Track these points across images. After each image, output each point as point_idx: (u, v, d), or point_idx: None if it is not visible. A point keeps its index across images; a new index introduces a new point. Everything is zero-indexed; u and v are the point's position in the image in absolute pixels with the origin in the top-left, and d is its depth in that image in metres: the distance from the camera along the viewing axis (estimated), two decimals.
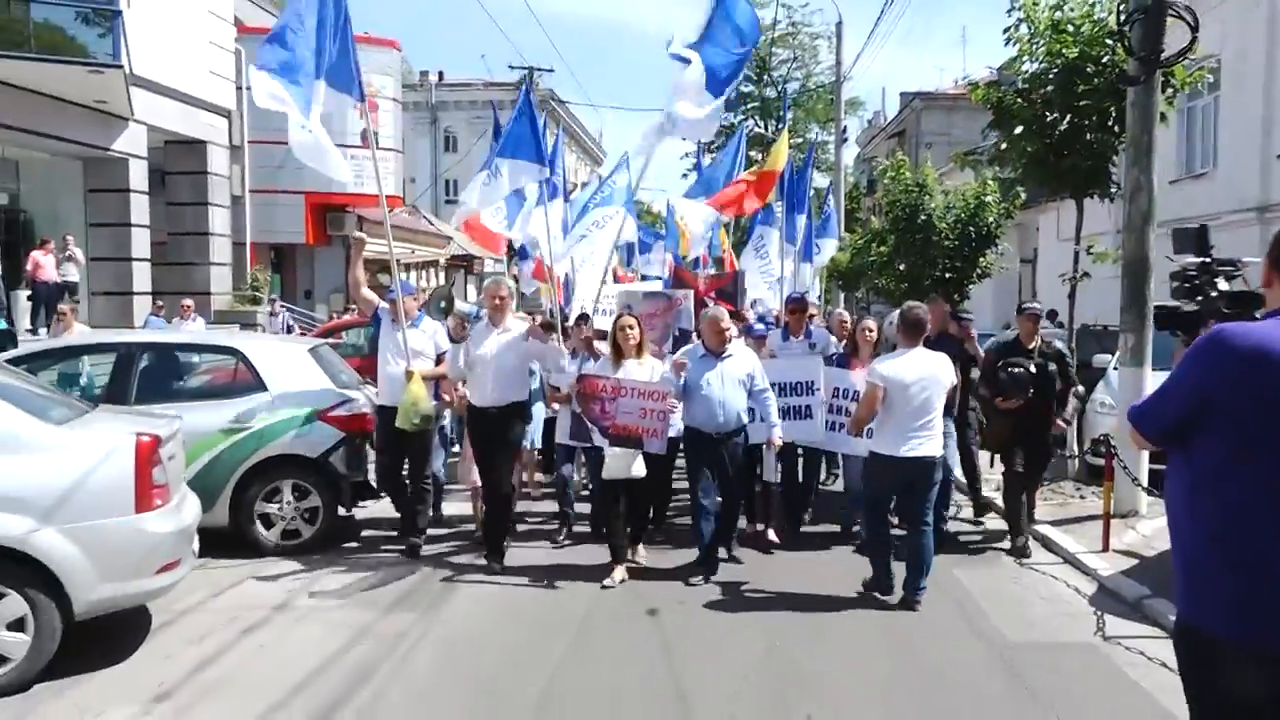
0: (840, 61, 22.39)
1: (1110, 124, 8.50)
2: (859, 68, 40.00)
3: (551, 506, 7.89)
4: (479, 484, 7.03)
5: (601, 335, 7.69)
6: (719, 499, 6.37)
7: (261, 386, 6.86)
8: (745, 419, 6.41)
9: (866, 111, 42.43)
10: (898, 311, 6.83)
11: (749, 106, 36.16)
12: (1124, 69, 7.77)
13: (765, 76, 37.54)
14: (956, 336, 7.44)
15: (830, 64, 33.36)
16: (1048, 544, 7.05)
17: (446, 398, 7.22)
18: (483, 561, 6.61)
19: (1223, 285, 4.75)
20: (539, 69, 25.26)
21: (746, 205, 9.76)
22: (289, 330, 16.85)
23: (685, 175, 38.08)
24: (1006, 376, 6.75)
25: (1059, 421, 7.10)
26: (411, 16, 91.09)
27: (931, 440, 5.71)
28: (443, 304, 7.53)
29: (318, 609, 5.70)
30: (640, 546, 6.78)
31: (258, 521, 6.79)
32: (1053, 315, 14.44)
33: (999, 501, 7.65)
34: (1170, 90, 8.25)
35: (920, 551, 5.76)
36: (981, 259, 13.85)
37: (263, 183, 22.51)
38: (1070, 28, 8.32)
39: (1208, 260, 4.98)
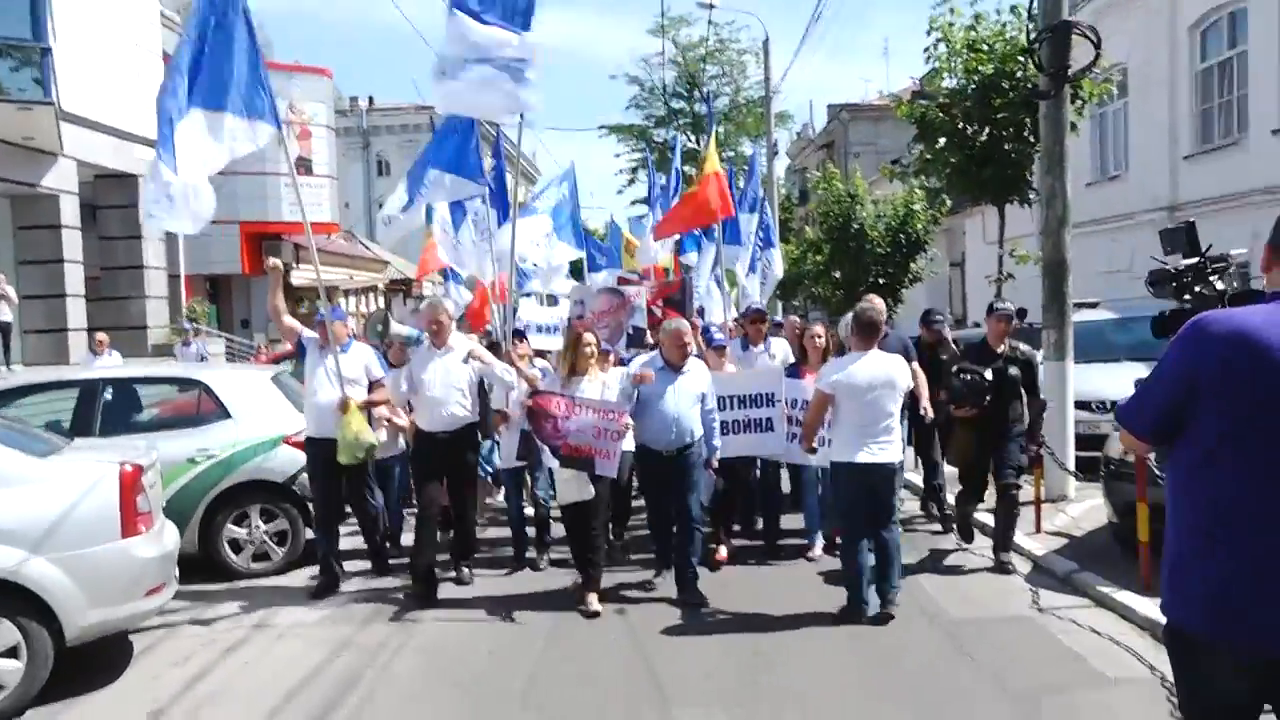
0: (769, 77, 23.09)
1: (1026, 134, 9.14)
2: (787, 81, 41.36)
3: (505, 532, 7.80)
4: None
5: (540, 354, 7.67)
6: (673, 515, 6.25)
7: (225, 414, 7.04)
8: (697, 434, 6.25)
9: (795, 124, 43.50)
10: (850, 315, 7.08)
11: (681, 122, 36.81)
12: (1035, 84, 8.38)
13: (695, 92, 38.31)
14: (926, 341, 7.38)
15: (758, 79, 34.25)
16: (983, 529, 7.50)
17: (393, 423, 7.13)
18: (451, 574, 6.72)
19: (1219, 284, 4.76)
20: None
21: (703, 216, 9.50)
22: (201, 360, 16.56)
23: (621, 191, 38.66)
24: (960, 383, 6.42)
25: (1030, 446, 6.71)
26: (339, 43, 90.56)
27: (891, 446, 5.61)
28: (379, 327, 7.28)
29: (295, 626, 5.89)
30: (592, 595, 6.16)
31: (227, 546, 6.96)
32: (1022, 314, 15.03)
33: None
34: (1079, 102, 8.91)
35: (890, 550, 5.68)
36: (912, 264, 14.54)
37: None
38: (984, 46, 8.93)
39: (1201, 261, 5.07)
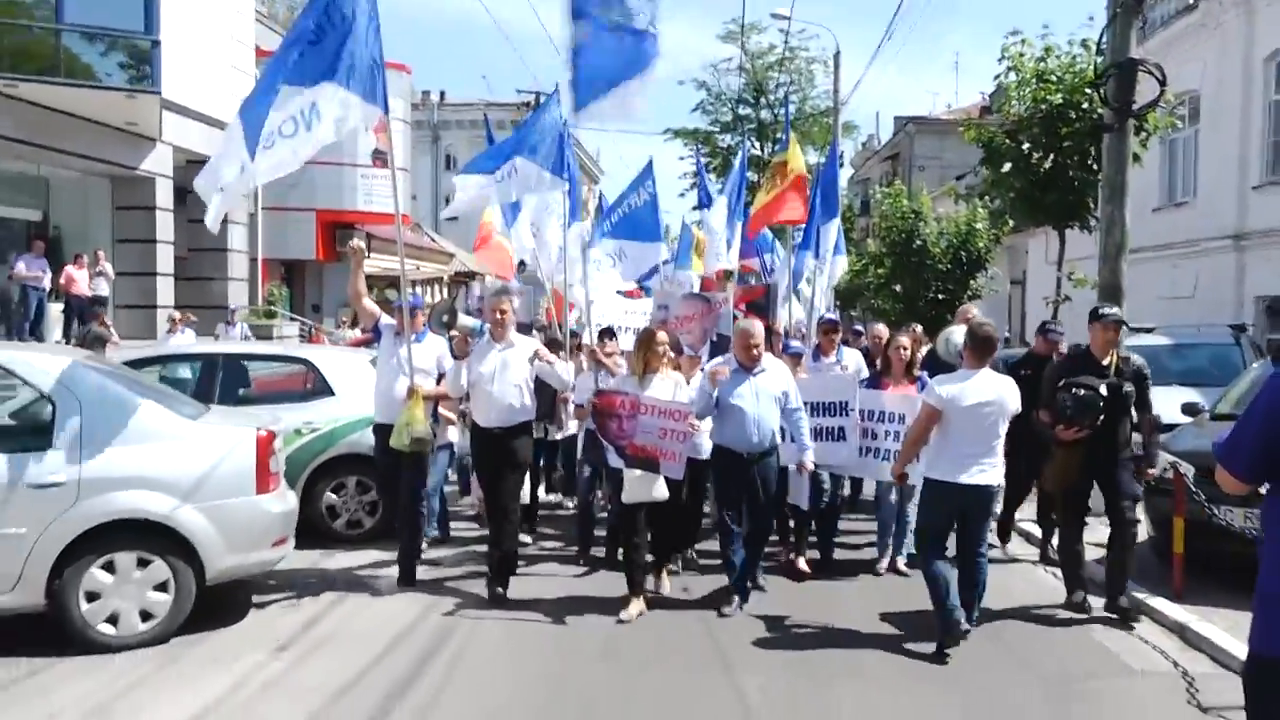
0: (838, 89, 23.53)
1: (1090, 163, 9.54)
2: (853, 92, 41.37)
3: (558, 530, 8.15)
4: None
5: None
6: (749, 523, 6.11)
7: (330, 392, 7.77)
8: (779, 438, 6.15)
9: (860, 134, 43.69)
10: (956, 329, 7.08)
11: (747, 128, 37.26)
12: (1101, 116, 8.80)
13: (762, 99, 38.77)
14: (1040, 354, 7.14)
15: (825, 88, 34.65)
16: (1028, 538, 7.94)
17: (449, 416, 7.15)
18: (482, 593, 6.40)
19: None
20: (543, 94, 26.11)
21: (789, 212, 9.46)
22: (246, 339, 16.63)
23: (684, 194, 39.22)
24: (1071, 399, 5.72)
25: (1148, 471, 6.16)
26: (412, 37, 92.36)
27: (994, 469, 5.48)
28: (445, 317, 7.18)
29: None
30: (665, 575, 6.50)
31: (325, 512, 7.69)
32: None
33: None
34: (1144, 134, 9.30)
35: (979, 578, 5.57)
36: (972, 281, 14.92)
37: (275, 200, 23.37)
38: (1053, 77, 9.36)
39: None
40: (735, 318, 8.06)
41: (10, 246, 16.33)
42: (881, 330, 8.60)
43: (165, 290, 18.48)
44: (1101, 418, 5.70)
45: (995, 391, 5.45)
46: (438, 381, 6.79)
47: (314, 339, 15.33)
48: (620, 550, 6.53)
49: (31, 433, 5.22)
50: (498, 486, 6.43)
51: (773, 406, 6.04)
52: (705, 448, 6.41)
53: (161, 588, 5.30)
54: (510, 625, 5.84)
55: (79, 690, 4.68)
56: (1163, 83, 8.18)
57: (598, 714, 4.65)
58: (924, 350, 8.13)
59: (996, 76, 9.60)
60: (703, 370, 6.71)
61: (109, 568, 5.19)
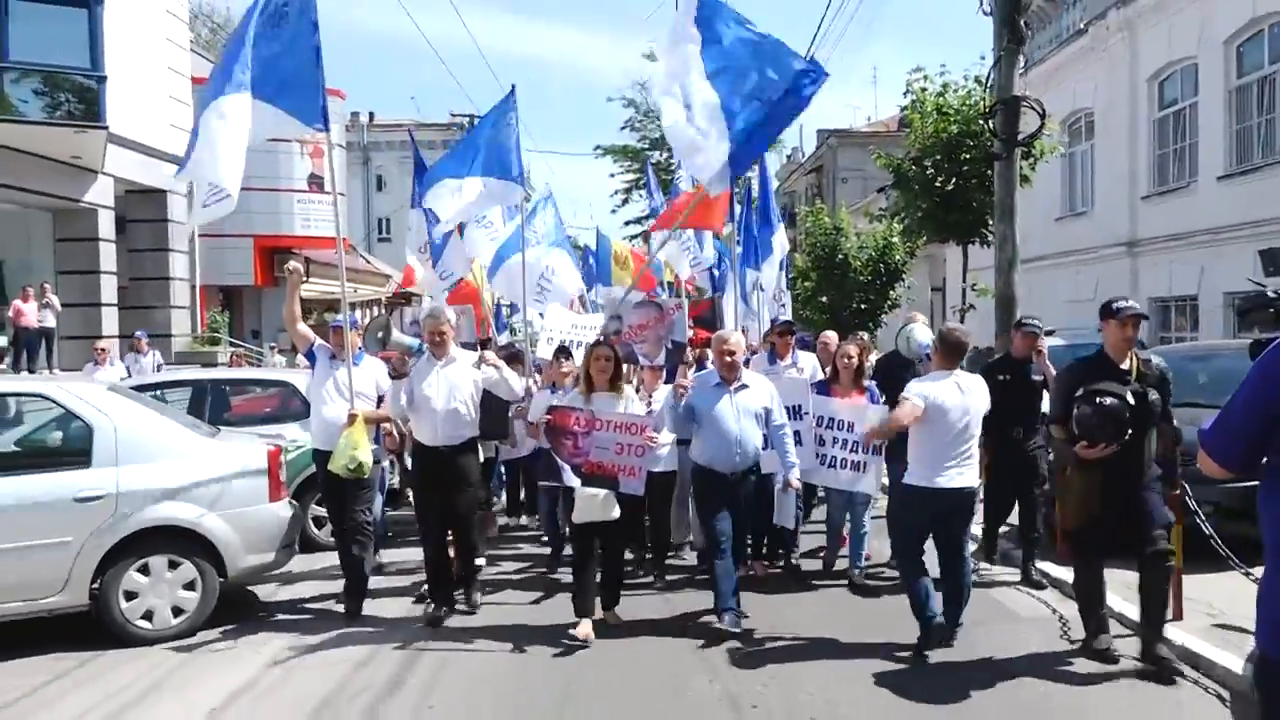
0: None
1: (987, 185, 10.83)
2: None
3: (522, 550, 8.31)
4: None
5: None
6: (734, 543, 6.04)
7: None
8: (762, 455, 6.07)
9: (785, 148, 45.31)
10: (916, 326, 7.28)
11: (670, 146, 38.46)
12: (993, 144, 10.09)
13: None
14: (1017, 356, 6.93)
15: None
16: (1007, 558, 7.53)
17: (391, 437, 6.99)
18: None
19: None
20: (477, 116, 26.93)
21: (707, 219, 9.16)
22: (158, 369, 15.50)
23: (615, 211, 40.30)
24: (1093, 410, 4.94)
25: (1172, 491, 5.53)
26: (338, 56, 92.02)
27: (970, 470, 5.51)
28: (380, 334, 6.64)
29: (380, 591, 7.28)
30: (610, 613, 6.17)
31: (311, 523, 8.50)
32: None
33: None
34: (1031, 159, 10.62)
35: (963, 581, 5.60)
36: (892, 291, 16.27)
37: (212, 227, 23.69)
38: (952, 110, 10.64)
39: None
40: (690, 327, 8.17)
41: None
42: (830, 337, 8.55)
43: (110, 320, 18.89)
44: (1130, 432, 4.90)
45: (969, 393, 5.49)
46: (377, 404, 6.73)
47: (234, 362, 15.06)
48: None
49: (74, 453, 6.00)
50: (451, 505, 6.27)
51: (754, 423, 5.95)
52: (668, 463, 6.68)
53: (189, 586, 6.12)
54: (478, 656, 5.68)
55: (127, 677, 5.49)
56: (1043, 116, 9.47)
57: None
58: (872, 358, 8.44)
59: (903, 110, 10.85)
60: (666, 381, 6.97)
61: (144, 570, 6.01)
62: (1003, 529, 7.61)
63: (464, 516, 6.37)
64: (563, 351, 8.04)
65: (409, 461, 6.92)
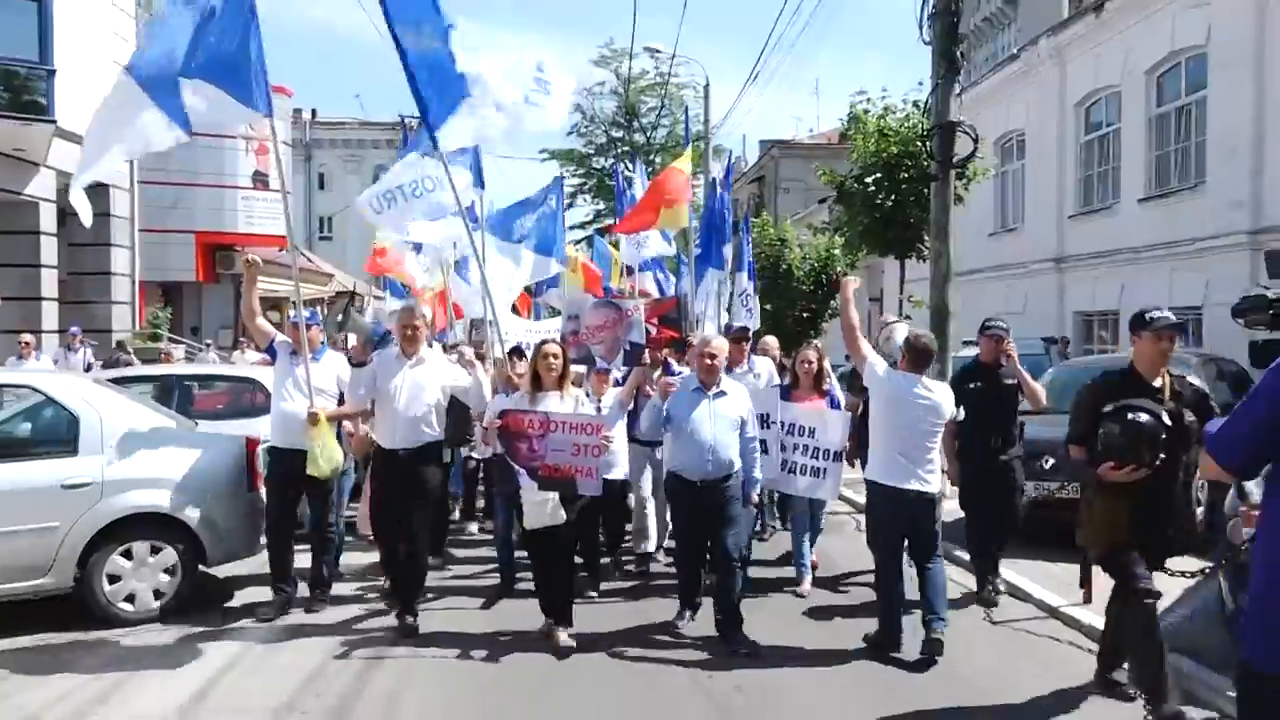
0: (708, 119, 25.52)
1: (924, 203, 11.54)
2: (722, 116, 43.60)
3: (477, 552, 8.17)
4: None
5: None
6: (714, 559, 6.02)
7: None
8: (736, 464, 5.94)
9: (728, 157, 46.15)
10: (898, 327, 7.37)
11: (619, 151, 39.10)
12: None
13: (635, 122, 40.74)
14: (990, 361, 6.70)
15: (695, 112, 36.85)
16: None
17: (359, 440, 6.92)
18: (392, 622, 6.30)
19: None
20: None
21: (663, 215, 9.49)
22: (88, 369, 14.73)
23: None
24: (1123, 426, 4.58)
25: (1193, 515, 5.27)
26: (278, 51, 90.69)
27: (934, 475, 5.63)
28: (339, 317, 7.01)
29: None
30: (560, 633, 5.86)
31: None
32: (1065, 342, 16.16)
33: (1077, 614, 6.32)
34: (965, 179, 11.35)
35: (936, 582, 5.65)
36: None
37: (153, 222, 23.70)
38: (892, 132, 11.33)
39: None
40: (648, 331, 8.17)
41: None
42: (770, 342, 8.58)
43: (50, 315, 18.75)
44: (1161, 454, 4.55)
45: (933, 394, 5.62)
46: (339, 401, 6.62)
47: (164, 359, 14.68)
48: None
49: (61, 442, 6.29)
50: (406, 512, 6.12)
51: (730, 432, 5.88)
52: (620, 467, 6.87)
53: (169, 571, 6.45)
54: (432, 662, 5.66)
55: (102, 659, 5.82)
56: (976, 141, 10.19)
57: None
58: (827, 363, 8.42)
59: (844, 123, 11.54)
60: (618, 384, 7.09)
61: (127, 554, 6.33)
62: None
63: (415, 525, 6.17)
64: (516, 352, 7.81)
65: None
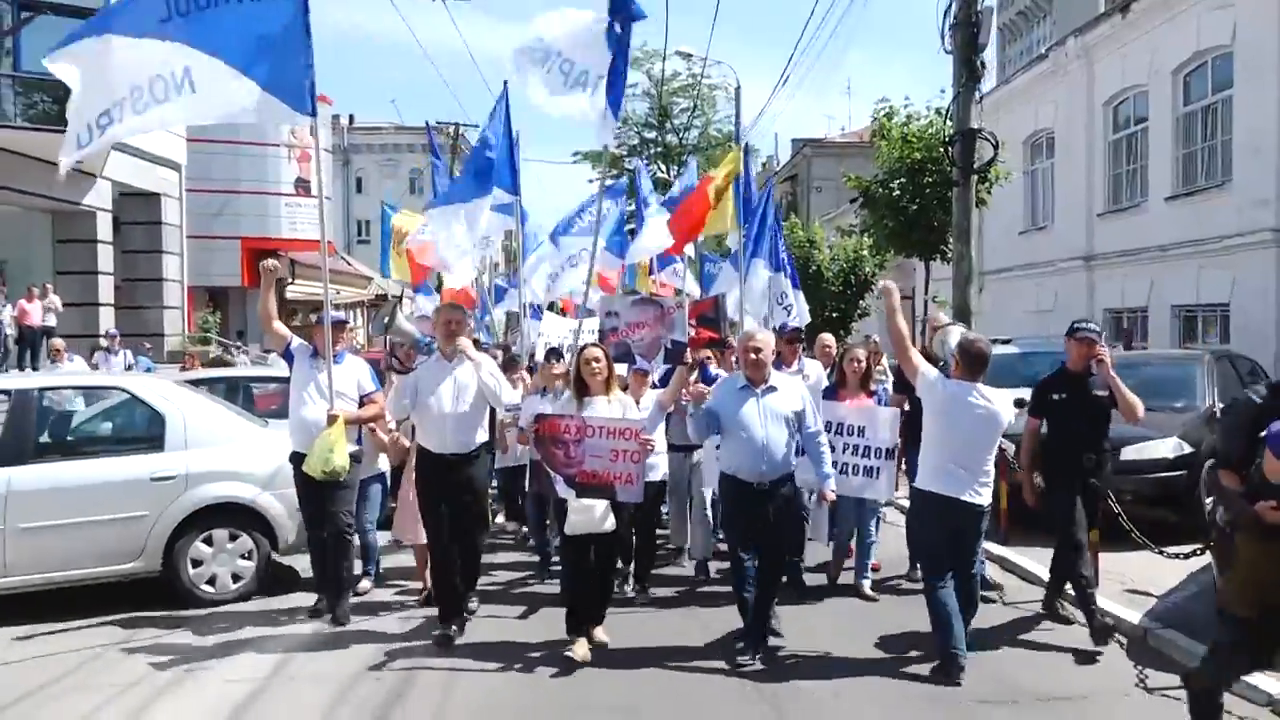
0: (739, 122, 26.01)
1: (948, 206, 12.00)
2: (753, 117, 44.17)
3: (513, 557, 8.36)
4: (423, 541, 6.49)
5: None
6: (762, 560, 5.69)
7: None
8: (793, 464, 5.70)
9: (760, 156, 46.57)
10: (953, 328, 7.13)
11: (652, 152, 39.66)
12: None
13: (667, 124, 41.26)
14: (1078, 368, 6.03)
15: (728, 113, 37.39)
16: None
17: (384, 441, 6.90)
18: (427, 637, 6.17)
19: None
20: (466, 124, 27.98)
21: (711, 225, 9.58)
22: (128, 369, 15.64)
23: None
24: None
25: None
26: (317, 58, 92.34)
27: (988, 488, 5.44)
28: (385, 319, 6.35)
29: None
30: (598, 632, 5.84)
31: None
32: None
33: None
34: (987, 183, 11.79)
35: (973, 593, 5.58)
36: (862, 301, 17.50)
37: (199, 228, 24.69)
38: (915, 139, 11.82)
39: None
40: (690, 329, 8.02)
41: None
42: (827, 339, 8.52)
43: (106, 319, 19.69)
44: None
45: (992, 401, 5.41)
46: (359, 405, 6.56)
47: (187, 363, 15.15)
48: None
49: (149, 439, 6.98)
50: (457, 517, 6.05)
51: (784, 429, 5.63)
52: (660, 468, 6.60)
53: (246, 556, 7.12)
54: (473, 677, 5.50)
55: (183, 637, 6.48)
56: (996, 147, 10.65)
57: None
58: (885, 362, 8.61)
59: (871, 136, 12.04)
60: (654, 386, 7.00)
61: (208, 541, 7.00)
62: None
63: (469, 529, 6.13)
64: (554, 353, 7.76)
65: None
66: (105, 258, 19.68)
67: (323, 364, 6.40)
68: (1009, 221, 21.93)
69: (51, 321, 17.80)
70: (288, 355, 6.68)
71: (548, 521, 7.39)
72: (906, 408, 6.91)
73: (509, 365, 8.17)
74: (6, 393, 6.81)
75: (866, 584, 7.10)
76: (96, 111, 5.72)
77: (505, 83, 8.06)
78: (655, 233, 9.75)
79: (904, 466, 7.26)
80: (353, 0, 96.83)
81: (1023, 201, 22.04)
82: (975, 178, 10.90)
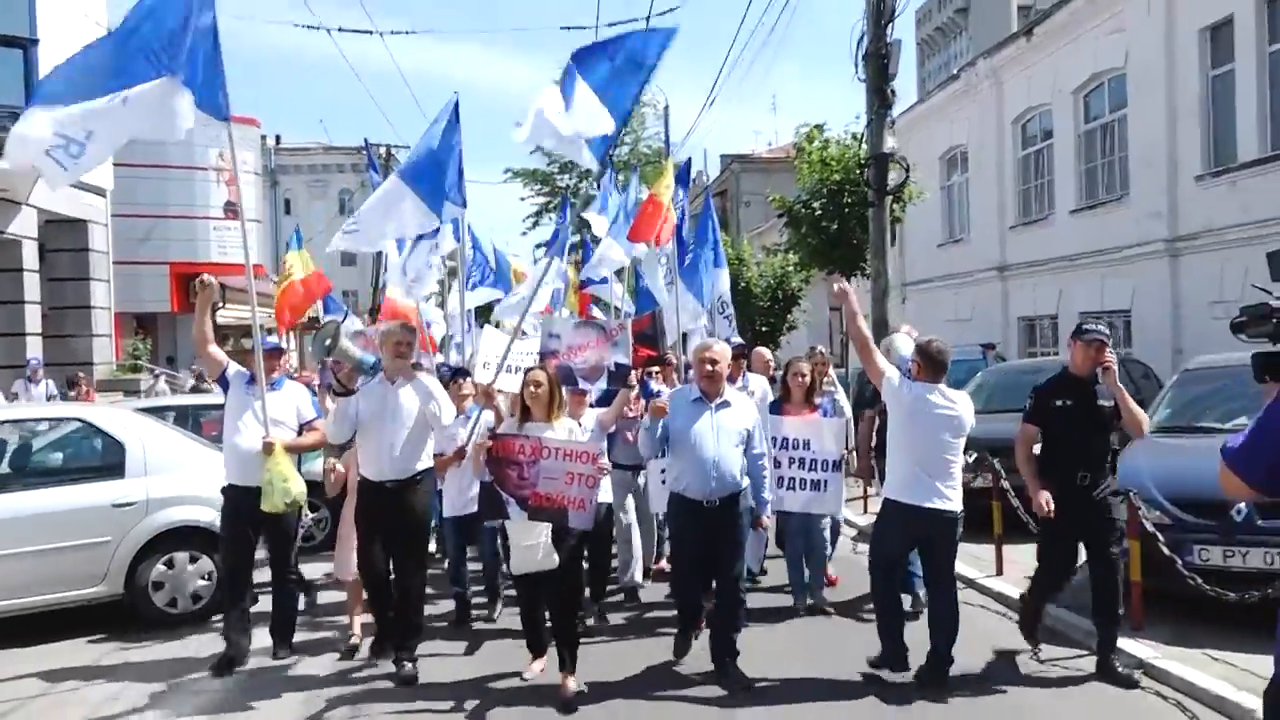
0: (669, 140, 26.82)
1: (866, 225, 12.80)
2: (682, 133, 45.46)
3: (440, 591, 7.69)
4: (356, 576, 6.33)
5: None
6: (716, 587, 5.71)
7: None
8: (743, 482, 5.60)
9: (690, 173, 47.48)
10: (898, 337, 7.12)
11: (578, 169, 40.27)
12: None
13: None
14: (1083, 373, 5.59)
15: (656, 130, 38.20)
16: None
17: (337, 475, 6.64)
18: (370, 671, 6.10)
19: None
20: (398, 145, 28.21)
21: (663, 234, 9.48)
22: (50, 399, 15.41)
23: (526, 233, 41.78)
24: None
25: None
26: (243, 76, 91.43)
27: (954, 494, 5.33)
28: (326, 341, 5.89)
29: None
30: (569, 680, 5.50)
31: None
32: (991, 347, 17.10)
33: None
34: (900, 203, 12.62)
35: (952, 610, 5.43)
36: (789, 315, 18.31)
37: (126, 254, 24.58)
38: (834, 162, 12.61)
39: None
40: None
41: None
42: (766, 354, 8.56)
43: (34, 348, 19.53)
44: None
45: (954, 405, 5.33)
46: (300, 433, 6.41)
47: (84, 394, 14.85)
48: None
49: (110, 467, 7.31)
50: (397, 547, 5.90)
51: (735, 446, 5.53)
52: (605, 489, 6.31)
53: (206, 577, 7.47)
54: (426, 717, 5.38)
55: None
56: (907, 170, 11.47)
57: None
58: (832, 373, 8.55)
59: (794, 159, 12.83)
60: (592, 406, 6.74)
61: (169, 564, 7.34)
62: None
63: (407, 562, 5.94)
64: (460, 373, 7.51)
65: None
66: (31, 286, 19.54)
67: (259, 390, 6.17)
68: (929, 234, 23.00)
69: None
70: (223, 381, 6.41)
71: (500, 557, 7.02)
72: (876, 425, 6.90)
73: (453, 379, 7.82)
74: None
75: (821, 596, 7.06)
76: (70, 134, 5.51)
77: (456, 94, 7.64)
78: (612, 250, 10.03)
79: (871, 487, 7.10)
80: (275, 17, 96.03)
81: (940, 215, 23.11)
82: (889, 198, 11.67)
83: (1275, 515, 5.68)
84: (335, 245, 7.39)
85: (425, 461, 6.01)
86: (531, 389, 5.60)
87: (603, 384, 6.92)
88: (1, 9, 16.31)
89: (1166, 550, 5.69)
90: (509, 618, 6.85)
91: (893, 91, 11.44)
